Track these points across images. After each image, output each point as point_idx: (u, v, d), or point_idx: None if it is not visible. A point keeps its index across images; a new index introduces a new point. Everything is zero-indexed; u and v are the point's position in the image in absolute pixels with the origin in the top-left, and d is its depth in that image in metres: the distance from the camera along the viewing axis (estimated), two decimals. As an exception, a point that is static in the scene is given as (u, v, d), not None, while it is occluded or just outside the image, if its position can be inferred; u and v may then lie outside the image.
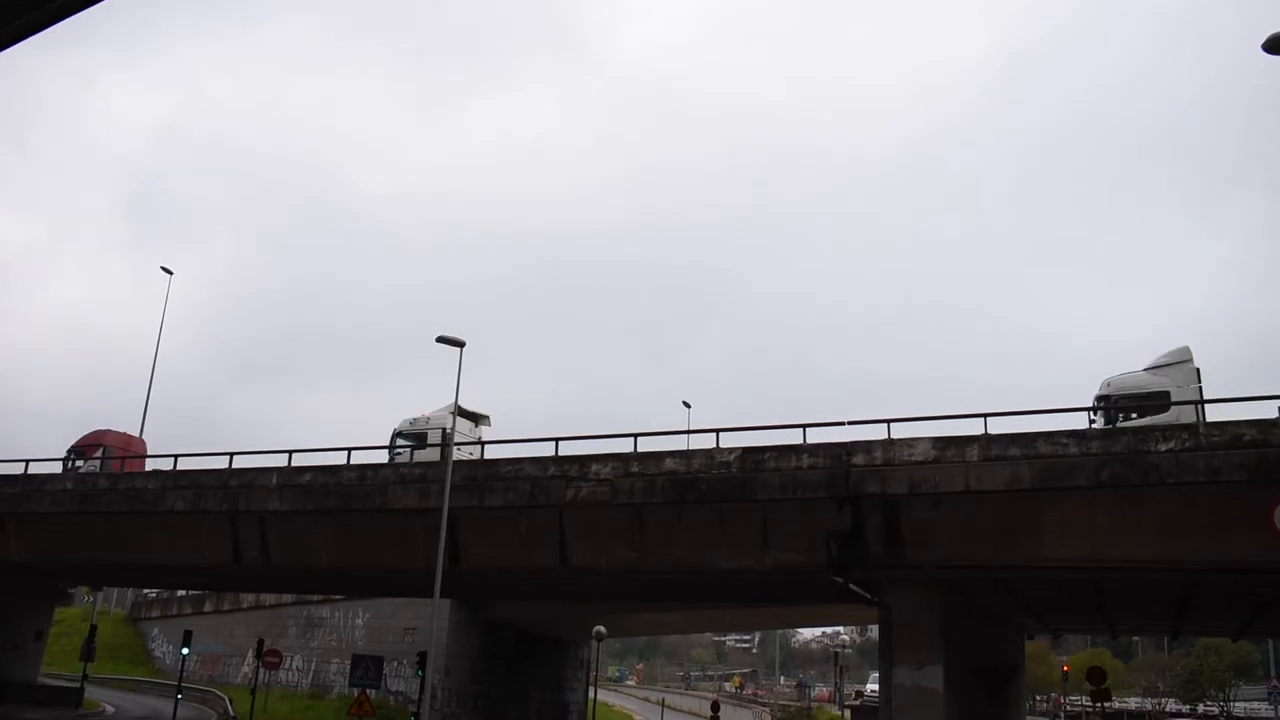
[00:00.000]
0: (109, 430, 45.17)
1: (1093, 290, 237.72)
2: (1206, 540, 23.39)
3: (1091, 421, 26.73)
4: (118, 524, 37.29)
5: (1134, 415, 27.35)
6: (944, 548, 25.91)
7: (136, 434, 46.69)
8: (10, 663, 47.20)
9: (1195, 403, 26.68)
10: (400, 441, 37.16)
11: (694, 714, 75.41)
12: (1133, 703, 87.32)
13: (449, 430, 35.31)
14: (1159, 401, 27.29)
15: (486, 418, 39.34)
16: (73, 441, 43.79)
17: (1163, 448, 23.62)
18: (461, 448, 35.16)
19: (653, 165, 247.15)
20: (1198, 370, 28.33)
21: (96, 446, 43.41)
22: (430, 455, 35.74)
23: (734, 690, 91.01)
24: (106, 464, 42.11)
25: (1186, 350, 28.47)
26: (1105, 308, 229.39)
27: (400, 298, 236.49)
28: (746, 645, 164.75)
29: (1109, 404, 27.79)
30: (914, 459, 25.84)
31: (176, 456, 38.05)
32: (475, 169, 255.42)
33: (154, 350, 51.92)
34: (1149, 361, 28.95)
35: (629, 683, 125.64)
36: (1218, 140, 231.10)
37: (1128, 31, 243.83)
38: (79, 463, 42.32)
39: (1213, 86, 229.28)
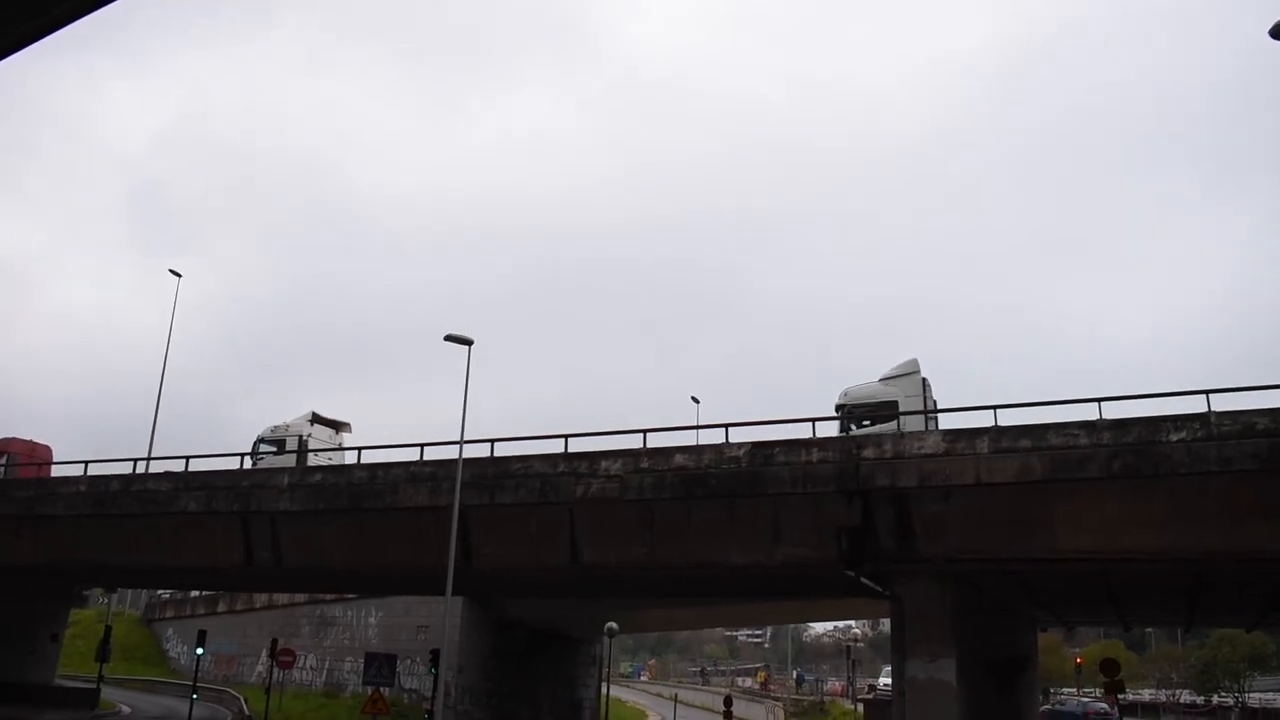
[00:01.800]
0: (15, 438, 46.59)
1: (1101, 283, 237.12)
2: (1219, 530, 23.33)
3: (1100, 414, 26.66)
4: (131, 526, 37.42)
5: (867, 423, 29.75)
6: (955, 540, 25.88)
7: (41, 441, 47.94)
8: (27, 664, 47.43)
9: (922, 412, 29.25)
10: (263, 447, 39.59)
11: (707, 709, 75.40)
12: (1146, 695, 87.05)
13: (305, 437, 39.05)
14: (889, 411, 29.74)
15: (347, 425, 42.05)
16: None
17: (1174, 438, 23.57)
18: (319, 453, 38.73)
19: (654, 165, 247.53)
20: (924, 380, 30.79)
21: (1, 454, 45.07)
22: (288, 461, 38.29)
23: (759, 685, 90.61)
24: (12, 470, 43.97)
25: (914, 363, 30.96)
26: (1114, 300, 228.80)
27: (404, 298, 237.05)
28: (759, 640, 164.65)
29: (845, 413, 30.27)
30: (924, 452, 25.82)
31: (188, 458, 38.15)
32: (476, 168, 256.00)
33: (163, 352, 52.03)
34: (883, 374, 31.40)
35: (642, 678, 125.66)
36: (1224, 131, 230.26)
37: (1130, 26, 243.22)
38: None
39: (1219, 75, 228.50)
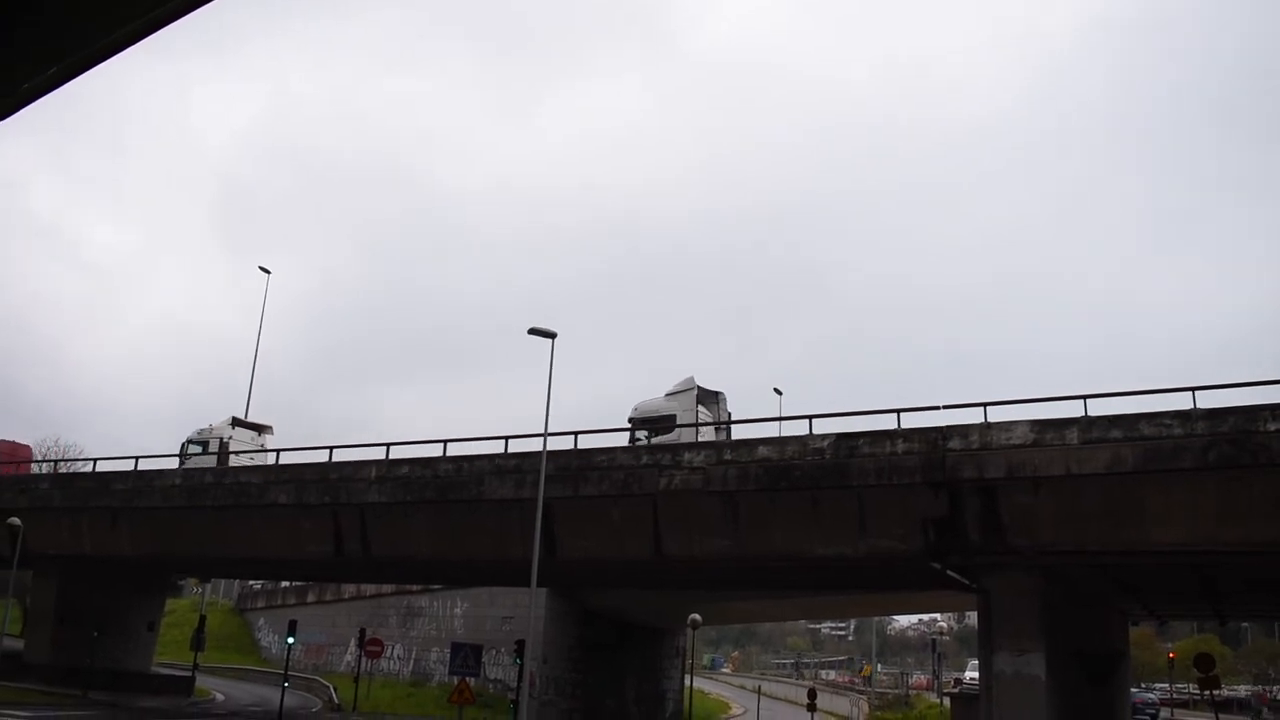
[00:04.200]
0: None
1: (1201, 269, 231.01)
2: (1320, 522, 22.68)
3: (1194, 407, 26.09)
4: (224, 518, 38.33)
5: (651, 434, 33.53)
6: (1044, 533, 25.49)
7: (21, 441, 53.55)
8: (125, 652, 48.79)
9: (694, 425, 33.19)
10: (191, 448, 43.41)
11: (790, 701, 75.14)
12: (1242, 690, 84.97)
13: (227, 439, 42.97)
14: (668, 423, 33.69)
15: (269, 428, 46.05)
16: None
17: (1272, 427, 22.94)
18: (240, 454, 42.28)
19: (734, 153, 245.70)
20: (719, 394, 35.75)
21: None
22: (211, 461, 42.25)
23: (863, 679, 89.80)
24: None
25: (691, 380, 34.92)
26: (1213, 286, 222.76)
27: (486, 292, 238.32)
28: (842, 633, 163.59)
29: (633, 424, 34.45)
30: (1012, 442, 25.44)
31: (279, 451, 39.00)
32: (556, 163, 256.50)
33: (254, 350, 53.23)
34: (667, 390, 35.75)
35: (724, 670, 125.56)
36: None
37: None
38: None
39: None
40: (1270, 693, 79.29)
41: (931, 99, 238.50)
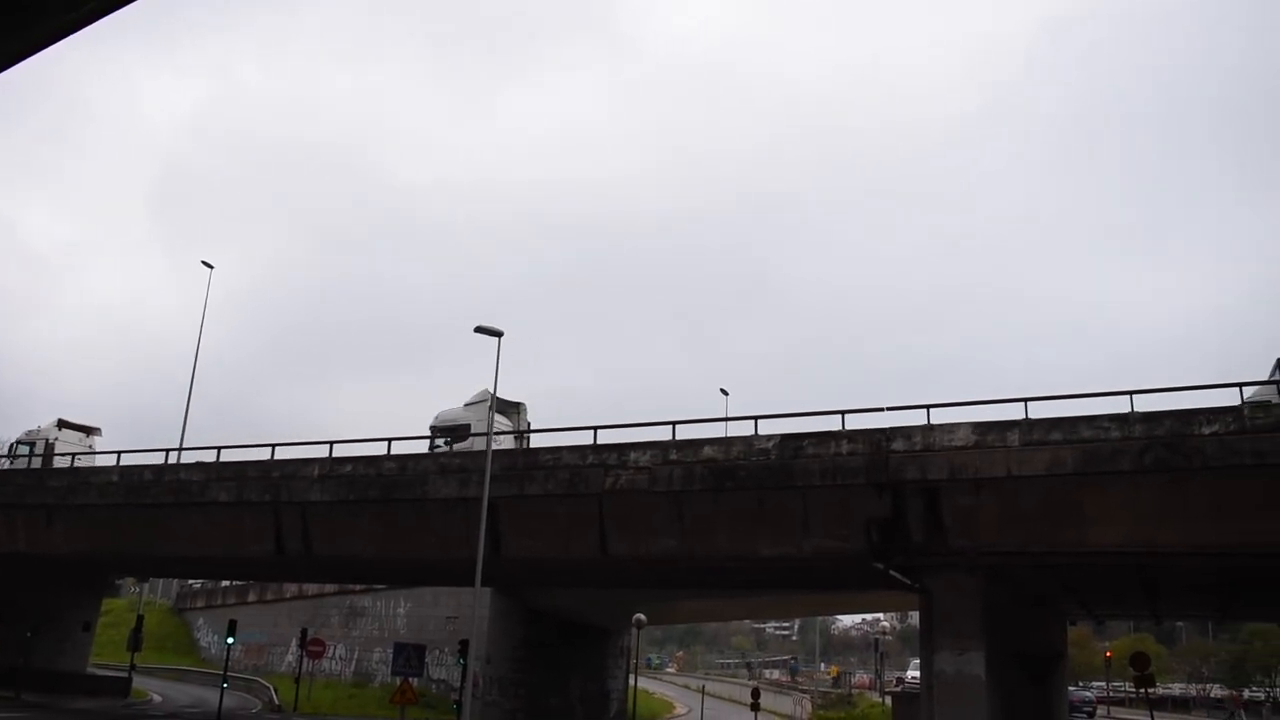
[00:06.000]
0: None
1: (1139, 272, 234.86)
2: (1254, 524, 23.08)
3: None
4: (163, 516, 37.74)
5: (449, 442, 36.10)
6: (985, 533, 25.75)
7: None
8: (60, 653, 47.97)
9: (486, 434, 33.31)
10: (19, 449, 45.75)
11: (734, 701, 75.37)
12: (1176, 688, 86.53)
13: (52, 441, 45.04)
14: (463, 432, 36.25)
15: (97, 429, 47.97)
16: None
17: (1206, 431, 23.35)
18: (65, 456, 43.75)
19: (690, 154, 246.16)
20: (520, 405, 39.10)
21: None
22: (38, 462, 44.52)
23: (833, 679, 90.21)
24: None
25: (486, 392, 35.87)
26: (1152, 289, 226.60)
27: (438, 288, 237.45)
28: (786, 632, 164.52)
29: (434, 432, 36.92)
30: (954, 444, 25.69)
31: (219, 448, 38.41)
32: (511, 158, 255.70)
33: (195, 344, 52.49)
34: (466, 400, 38.50)
35: (669, 670, 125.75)
36: (1256, 129, 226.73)
37: (1177, 8, 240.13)
38: None
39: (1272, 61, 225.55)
40: (1243, 694, 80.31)
41: (885, 104, 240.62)
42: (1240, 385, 25.35)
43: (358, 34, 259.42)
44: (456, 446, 35.62)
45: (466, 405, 38.22)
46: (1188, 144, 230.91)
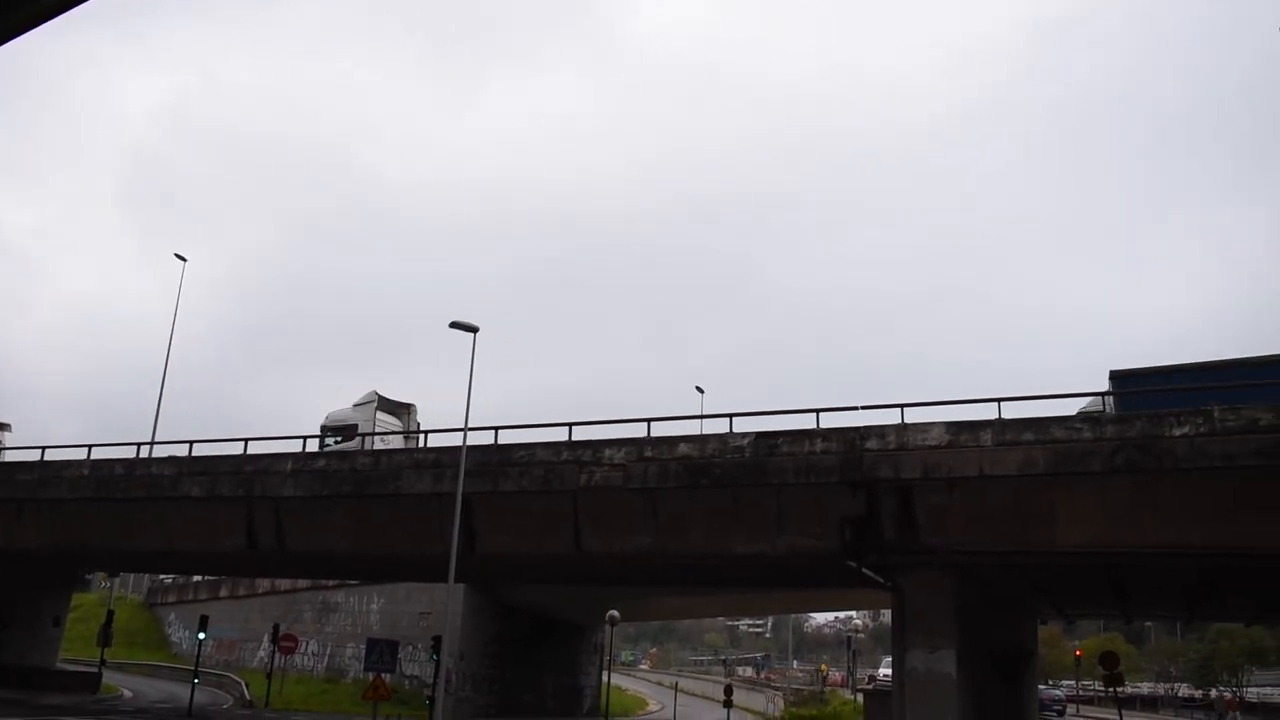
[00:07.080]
0: None
1: (1117, 273, 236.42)
2: (1223, 526, 23.30)
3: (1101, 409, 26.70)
4: (135, 510, 37.49)
5: (339, 439, 38.06)
6: (958, 532, 25.89)
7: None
8: (30, 648, 47.57)
9: (372, 434, 37.79)
10: None
11: (707, 698, 75.56)
12: (1145, 688, 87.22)
13: None
14: (351, 431, 38.14)
15: (7, 425, 49.15)
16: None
17: (1177, 432, 23.52)
18: None
19: (671, 150, 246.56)
20: (410, 406, 41.26)
21: None
22: None
23: (823, 675, 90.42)
24: None
25: (373, 394, 39.71)
26: (1129, 291, 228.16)
27: (416, 283, 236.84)
28: (760, 630, 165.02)
29: (323, 431, 38.86)
30: (928, 444, 25.80)
31: (192, 442, 38.22)
32: (490, 154, 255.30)
33: (169, 337, 52.11)
34: (355, 401, 40.72)
35: (642, 666, 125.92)
36: (1260, 118, 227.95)
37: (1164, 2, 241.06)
38: None
39: (1254, 60, 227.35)
40: (1237, 695, 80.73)
41: (866, 104, 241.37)
42: (1212, 388, 25.45)
43: (338, 29, 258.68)
44: (344, 445, 37.48)
45: (355, 406, 40.41)
46: (1190, 144, 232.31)
